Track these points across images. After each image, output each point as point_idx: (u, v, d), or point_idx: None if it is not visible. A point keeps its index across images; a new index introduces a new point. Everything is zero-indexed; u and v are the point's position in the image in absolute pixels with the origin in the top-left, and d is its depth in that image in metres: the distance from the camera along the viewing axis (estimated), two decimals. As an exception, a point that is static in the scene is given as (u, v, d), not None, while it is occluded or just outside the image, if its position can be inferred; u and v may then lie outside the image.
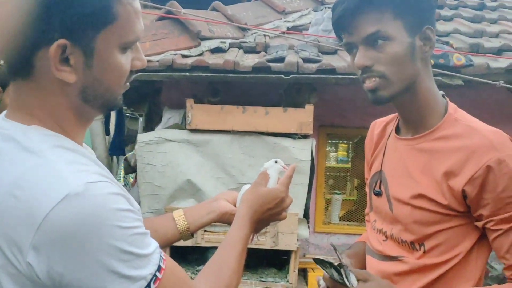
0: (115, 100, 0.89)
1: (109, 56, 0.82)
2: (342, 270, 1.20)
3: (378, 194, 1.35)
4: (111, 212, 0.76)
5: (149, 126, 3.81)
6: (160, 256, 0.84)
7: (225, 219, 1.28)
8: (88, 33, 0.80)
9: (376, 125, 1.46)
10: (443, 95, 1.26)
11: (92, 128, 3.49)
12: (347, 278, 1.19)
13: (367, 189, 1.49)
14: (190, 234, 1.26)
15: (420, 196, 1.20)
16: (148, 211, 3.22)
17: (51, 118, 0.84)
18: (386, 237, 1.32)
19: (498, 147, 1.10)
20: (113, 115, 4.97)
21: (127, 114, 6.35)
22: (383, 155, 1.37)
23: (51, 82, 0.81)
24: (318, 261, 1.25)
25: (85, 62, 0.81)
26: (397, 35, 1.13)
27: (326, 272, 1.23)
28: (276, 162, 1.30)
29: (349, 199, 4.66)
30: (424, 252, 1.21)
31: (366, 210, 1.54)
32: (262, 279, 3.31)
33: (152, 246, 0.84)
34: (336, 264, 1.22)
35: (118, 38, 0.83)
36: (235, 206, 1.28)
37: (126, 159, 3.71)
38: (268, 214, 1.22)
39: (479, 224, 1.16)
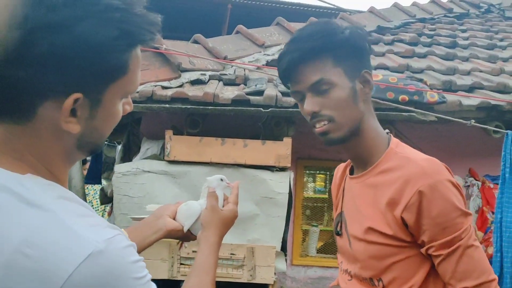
0: (102, 144, 0.89)
1: (112, 106, 0.81)
2: None
3: (338, 234, 1.40)
4: (129, 265, 0.76)
5: (127, 156, 3.79)
6: None
7: (172, 236, 1.29)
8: (101, 86, 0.78)
9: (339, 169, 1.52)
10: (387, 132, 1.34)
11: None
12: None
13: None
14: None
15: (370, 230, 1.24)
16: (124, 243, 3.18)
17: (42, 164, 0.81)
18: (351, 276, 1.36)
19: (429, 174, 1.16)
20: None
21: (105, 142, 6.32)
22: (342, 196, 1.42)
23: (51, 130, 0.78)
24: None
25: (90, 113, 0.79)
26: (339, 81, 1.21)
27: None
28: (221, 180, 1.32)
29: (327, 230, 4.69)
30: (383, 287, 1.25)
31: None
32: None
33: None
34: None
35: (124, 88, 0.82)
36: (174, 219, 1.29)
37: (102, 189, 3.67)
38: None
39: (423, 250, 1.20)
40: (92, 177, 4.89)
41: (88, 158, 5.22)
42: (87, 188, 5.44)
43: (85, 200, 3.61)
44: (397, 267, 1.23)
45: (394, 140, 1.32)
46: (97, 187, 5.30)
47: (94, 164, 4.93)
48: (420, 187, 1.15)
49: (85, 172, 5.48)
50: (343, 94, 1.21)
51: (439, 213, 1.15)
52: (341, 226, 1.40)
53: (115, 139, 4.98)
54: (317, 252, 4.05)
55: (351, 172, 1.40)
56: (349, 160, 1.46)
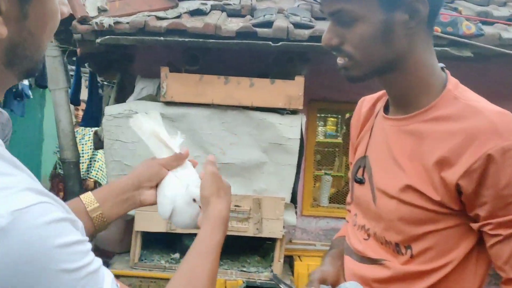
0: (40, 62, 0.71)
1: (47, 1, 0.67)
2: None
3: (360, 182, 1.18)
4: (53, 251, 0.58)
5: (121, 96, 3.42)
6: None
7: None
8: None
9: (365, 102, 1.29)
10: (442, 68, 1.10)
11: (54, 98, 3.09)
12: None
13: (349, 175, 1.33)
14: (106, 225, 1.03)
15: (408, 188, 1.04)
16: (116, 193, 2.87)
17: None
18: (369, 235, 1.16)
19: (503, 133, 0.93)
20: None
21: (104, 82, 5.94)
22: (369, 137, 1.20)
23: None
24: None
25: (20, 10, 0.63)
26: (367, 13, 0.99)
27: None
28: None
29: (338, 175, 4.39)
30: (411, 256, 1.06)
31: (348, 199, 1.39)
32: (244, 269, 3.01)
33: (106, 281, 0.66)
34: None
35: None
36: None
37: (96, 133, 3.32)
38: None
39: (475, 226, 1.00)
40: (88, 119, 4.53)
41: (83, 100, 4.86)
42: (83, 130, 5.10)
43: (77, 147, 3.27)
44: (433, 236, 1.03)
45: (452, 80, 1.07)
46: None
47: (89, 104, 4.55)
48: (489, 150, 0.92)
49: (81, 114, 5.15)
50: (370, 29, 1.00)
51: (508, 184, 0.93)
52: (363, 173, 1.18)
53: (109, 79, 4.59)
54: (329, 202, 3.74)
55: (386, 110, 1.16)
56: (381, 93, 1.23)
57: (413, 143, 1.05)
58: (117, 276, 2.47)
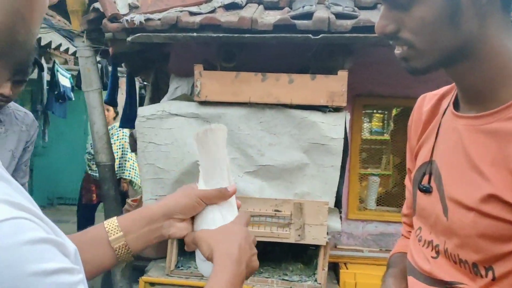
0: (32, 53, 0.63)
1: None
2: None
3: (426, 191, 1.03)
4: (28, 281, 0.47)
5: (156, 97, 3.31)
6: None
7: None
8: None
9: (426, 100, 1.14)
10: None
11: (88, 100, 3.01)
12: None
13: (407, 183, 1.22)
14: (130, 256, 0.91)
15: (490, 198, 0.88)
16: (151, 198, 2.75)
17: None
18: (437, 252, 1.00)
19: None
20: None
21: (145, 83, 5.89)
22: (435, 139, 1.05)
23: None
24: None
25: None
26: None
27: None
28: None
29: (385, 174, 4.15)
30: (493, 279, 0.89)
31: (404, 210, 1.28)
32: (286, 278, 2.82)
33: None
34: None
35: None
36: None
37: (131, 135, 3.22)
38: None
39: None
40: (125, 120, 4.46)
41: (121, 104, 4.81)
42: (111, 130, 5.07)
43: (111, 149, 3.18)
44: None
45: None
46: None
47: (127, 105, 4.48)
48: None
49: (110, 115, 5.12)
50: (432, 11, 0.85)
51: None
52: (429, 181, 1.03)
53: (144, 78, 4.51)
54: (377, 205, 3.50)
55: (456, 107, 1.00)
56: (447, 88, 1.09)
57: (496, 145, 0.88)
58: (152, 284, 2.32)
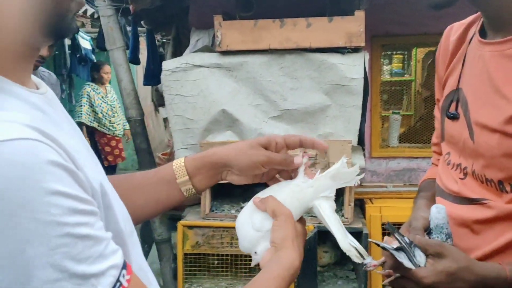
0: (67, 18, 0.63)
1: None
2: (403, 254, 0.97)
3: (454, 117, 1.08)
4: (36, 195, 0.47)
5: (178, 51, 3.40)
6: (118, 281, 0.54)
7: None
8: None
9: (454, 30, 1.15)
10: None
11: (113, 58, 3.11)
12: (411, 260, 0.97)
13: (436, 113, 1.24)
14: (195, 196, 0.97)
15: None
16: (182, 147, 2.90)
17: None
18: (465, 174, 1.06)
19: None
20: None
21: (164, 40, 5.95)
22: (462, 68, 1.07)
23: None
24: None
25: None
26: None
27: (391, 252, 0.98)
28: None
29: (407, 114, 4.22)
30: None
31: (433, 139, 1.32)
32: (313, 214, 2.97)
33: (108, 261, 0.54)
34: (395, 247, 0.98)
35: None
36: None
37: (157, 90, 3.34)
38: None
39: None
40: (149, 77, 4.57)
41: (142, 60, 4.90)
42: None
43: (140, 105, 3.30)
44: None
45: None
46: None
47: (150, 63, 4.58)
48: None
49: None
50: None
51: None
52: (456, 108, 1.08)
53: (165, 34, 4.57)
54: (399, 142, 3.59)
55: (483, 35, 1.03)
56: (472, 17, 1.11)
57: None
58: (190, 227, 2.47)
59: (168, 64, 2.85)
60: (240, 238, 0.91)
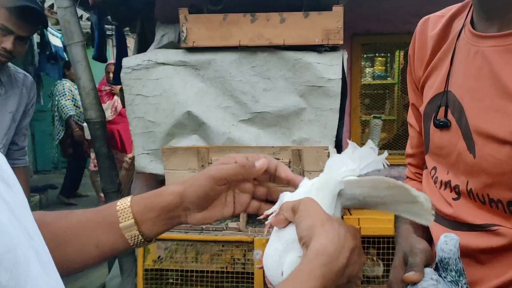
0: None
1: None
2: None
3: (444, 126, 0.93)
4: None
5: (143, 48, 3.14)
6: None
7: None
8: None
9: (430, 23, 1.02)
10: None
11: (70, 54, 2.85)
12: None
13: (410, 120, 1.12)
14: (145, 244, 0.77)
15: None
16: (143, 152, 2.64)
17: None
18: (458, 193, 0.91)
19: None
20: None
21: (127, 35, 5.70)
22: (450, 67, 0.92)
23: None
24: None
25: None
26: None
27: None
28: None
29: (390, 119, 4.03)
30: None
31: (408, 150, 1.19)
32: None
33: None
34: None
35: None
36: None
37: (121, 90, 3.08)
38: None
39: None
40: (118, 76, 4.29)
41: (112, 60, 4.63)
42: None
43: (101, 105, 3.05)
44: None
45: None
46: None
47: (119, 60, 4.31)
48: None
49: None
50: None
51: None
52: (445, 114, 0.93)
53: (129, 28, 4.32)
54: (380, 148, 3.38)
55: (474, 28, 0.90)
56: (458, 6, 0.97)
57: None
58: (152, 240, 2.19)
59: (128, 61, 2.60)
60: (266, 270, 0.70)
